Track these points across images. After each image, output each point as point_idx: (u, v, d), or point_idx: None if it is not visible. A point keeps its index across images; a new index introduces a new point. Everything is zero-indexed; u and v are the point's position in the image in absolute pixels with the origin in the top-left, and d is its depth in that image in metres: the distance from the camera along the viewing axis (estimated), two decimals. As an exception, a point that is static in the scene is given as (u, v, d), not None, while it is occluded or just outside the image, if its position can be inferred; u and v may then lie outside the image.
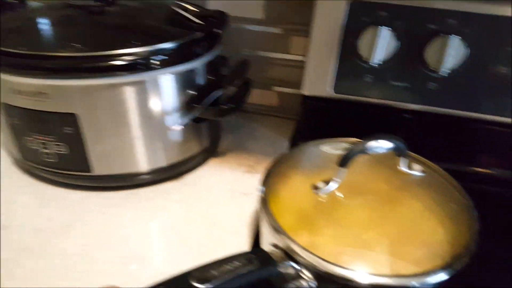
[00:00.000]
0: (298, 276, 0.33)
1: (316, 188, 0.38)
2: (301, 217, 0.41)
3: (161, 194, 0.51)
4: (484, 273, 0.41)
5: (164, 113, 0.47)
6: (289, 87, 0.66)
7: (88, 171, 0.48)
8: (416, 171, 0.40)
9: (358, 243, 0.40)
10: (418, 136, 0.57)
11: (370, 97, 0.51)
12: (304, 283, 0.33)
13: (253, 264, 0.31)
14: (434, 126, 0.54)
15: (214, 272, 0.29)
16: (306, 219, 0.41)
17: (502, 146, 0.53)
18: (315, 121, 0.57)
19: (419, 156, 0.42)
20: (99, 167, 0.48)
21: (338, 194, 0.39)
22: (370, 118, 0.55)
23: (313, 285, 0.33)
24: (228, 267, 0.29)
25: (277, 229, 0.34)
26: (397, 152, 0.38)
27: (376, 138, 0.36)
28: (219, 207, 0.49)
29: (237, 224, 0.46)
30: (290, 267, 0.34)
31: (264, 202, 0.37)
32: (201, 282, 0.28)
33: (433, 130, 0.55)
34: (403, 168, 0.39)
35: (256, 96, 0.69)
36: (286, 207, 0.41)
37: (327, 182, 0.38)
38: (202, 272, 0.29)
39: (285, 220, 0.41)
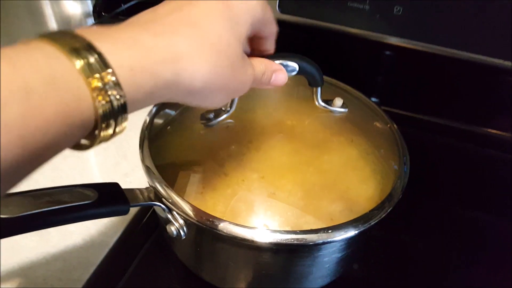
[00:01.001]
0: (168, 220, 0.28)
1: (205, 119, 0.30)
2: (205, 155, 0.35)
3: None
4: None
5: (74, 16, 0.42)
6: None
7: None
8: (338, 106, 0.32)
9: (264, 191, 0.33)
10: (389, 75, 0.48)
11: (324, 21, 0.42)
12: (173, 229, 0.28)
13: (87, 198, 0.25)
14: (406, 62, 0.44)
15: (25, 202, 0.23)
16: (212, 158, 0.34)
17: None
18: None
19: (340, 82, 0.33)
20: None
21: (229, 121, 0.31)
22: (329, 49, 0.46)
23: (182, 232, 0.28)
24: (47, 198, 0.24)
25: (148, 168, 0.29)
26: (311, 81, 0.29)
27: (281, 57, 0.27)
28: (134, 140, 0.43)
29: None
30: (160, 209, 0.28)
31: (142, 139, 0.30)
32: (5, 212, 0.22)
33: (404, 67, 0.46)
34: (320, 102, 0.31)
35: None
36: (188, 145, 0.35)
37: (217, 113, 0.30)
38: (10, 201, 0.23)
39: (186, 156, 0.34)
